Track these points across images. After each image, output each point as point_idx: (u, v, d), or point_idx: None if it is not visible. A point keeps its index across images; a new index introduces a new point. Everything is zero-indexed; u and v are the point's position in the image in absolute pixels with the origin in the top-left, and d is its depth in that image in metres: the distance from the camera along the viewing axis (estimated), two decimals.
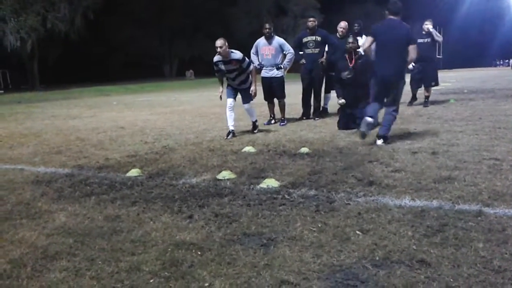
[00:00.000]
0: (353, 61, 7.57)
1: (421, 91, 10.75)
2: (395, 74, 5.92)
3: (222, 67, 7.03)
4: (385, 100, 6.08)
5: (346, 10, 49.44)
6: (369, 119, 5.78)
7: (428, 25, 10.05)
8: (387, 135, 5.93)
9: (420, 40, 10.10)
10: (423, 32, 10.12)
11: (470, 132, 6.45)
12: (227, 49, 6.85)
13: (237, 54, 6.96)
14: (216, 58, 7.02)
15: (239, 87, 7.25)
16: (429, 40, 10.04)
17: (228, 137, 7.03)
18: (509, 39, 55.53)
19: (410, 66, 10.25)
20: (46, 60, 40.68)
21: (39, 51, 37.34)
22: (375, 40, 6.05)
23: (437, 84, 10.42)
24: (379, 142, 5.86)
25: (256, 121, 7.68)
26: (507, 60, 62.19)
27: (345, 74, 7.51)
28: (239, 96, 7.37)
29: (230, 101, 7.25)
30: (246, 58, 7.13)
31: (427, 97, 10.43)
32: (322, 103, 9.56)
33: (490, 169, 4.32)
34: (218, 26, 50.05)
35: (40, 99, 23.32)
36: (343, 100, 7.61)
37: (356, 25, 10.15)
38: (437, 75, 10.36)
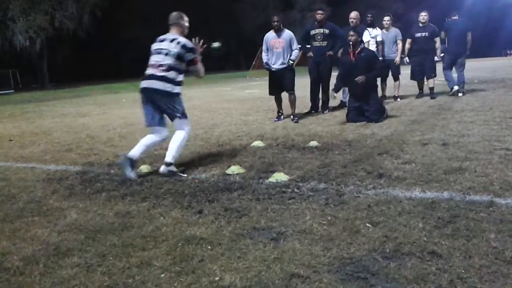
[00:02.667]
0: (355, 54, 7.46)
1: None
2: (462, 49, 10.18)
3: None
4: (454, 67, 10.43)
5: (354, 2, 49.02)
6: (456, 87, 10.36)
7: (424, 16, 10.01)
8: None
9: (417, 35, 10.10)
10: (420, 25, 10.07)
11: (480, 123, 6.39)
12: None
13: None
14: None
15: None
16: (427, 34, 9.98)
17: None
18: None
19: (405, 61, 10.35)
20: (55, 58, 40.93)
21: (48, 50, 37.60)
22: (447, 32, 10.25)
23: (435, 75, 10.35)
24: (460, 94, 10.30)
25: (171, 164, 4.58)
26: None
27: (357, 80, 7.31)
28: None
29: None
30: None
31: (431, 89, 10.33)
32: (341, 97, 9.54)
33: (501, 159, 4.28)
34: (225, 22, 50.02)
35: (50, 97, 23.49)
36: (335, 95, 7.64)
37: (369, 15, 10.06)
38: (435, 66, 10.32)
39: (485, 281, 2.12)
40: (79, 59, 45.34)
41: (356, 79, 7.22)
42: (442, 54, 10.42)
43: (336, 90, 7.68)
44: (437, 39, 10.11)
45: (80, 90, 28.21)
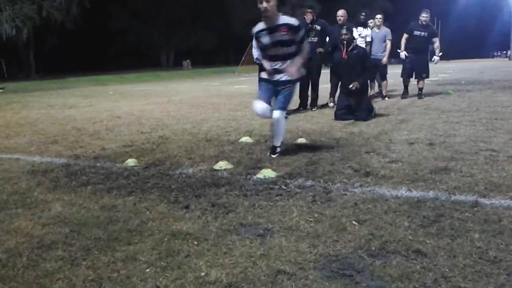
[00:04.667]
0: (346, 51, 7.51)
1: (413, 82, 10.70)
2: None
3: (266, 38, 4.72)
4: None
5: (344, 1, 49.13)
6: None
7: (426, 18, 10.00)
8: None
9: (416, 33, 10.05)
10: (420, 24, 10.06)
11: (467, 123, 6.46)
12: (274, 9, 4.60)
13: (290, 19, 4.73)
14: (259, 26, 4.79)
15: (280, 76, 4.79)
16: (426, 34, 9.99)
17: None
18: (507, 30, 55.45)
19: (403, 56, 10.22)
20: (42, 49, 40.39)
21: (35, 40, 37.07)
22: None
23: (427, 76, 10.37)
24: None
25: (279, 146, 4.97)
26: (504, 52, 62.20)
27: (352, 87, 7.36)
28: None
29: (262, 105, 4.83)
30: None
31: (420, 89, 10.39)
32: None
33: (486, 160, 4.33)
34: (215, 16, 49.79)
35: (36, 88, 23.19)
36: (332, 104, 7.64)
37: (362, 14, 10.07)
38: (428, 67, 10.33)
39: (469, 280, 2.14)
40: (66, 50, 44.80)
41: (350, 86, 7.29)
42: (441, 54, 10.39)
43: (332, 97, 7.71)
44: (436, 39, 10.13)
45: (66, 81, 27.88)
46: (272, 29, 4.65)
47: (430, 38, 10.08)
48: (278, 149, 4.92)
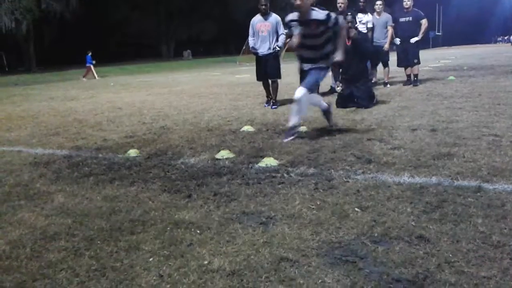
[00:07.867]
0: (349, 39, 7.47)
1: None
2: None
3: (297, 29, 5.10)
4: None
5: None
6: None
7: (408, 2, 9.91)
8: None
9: (401, 19, 10.00)
10: (404, 11, 10.00)
11: (469, 109, 6.42)
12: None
13: (319, 14, 4.95)
14: (292, 16, 5.15)
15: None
16: (410, 18, 9.91)
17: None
18: (510, 15, 55.01)
19: (397, 41, 10.18)
20: (42, 41, 40.31)
21: (35, 32, 36.96)
22: None
23: (418, 62, 10.26)
24: None
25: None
26: (506, 37, 61.78)
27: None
28: None
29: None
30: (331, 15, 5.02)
31: (415, 76, 10.31)
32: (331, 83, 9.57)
33: (489, 145, 4.31)
34: (215, 6, 49.50)
35: (37, 80, 23.16)
36: (340, 88, 7.58)
37: (361, 1, 9.99)
38: (418, 53, 10.21)
39: (472, 265, 2.14)
40: (66, 41, 44.66)
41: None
42: (416, 39, 10.08)
43: (337, 80, 7.70)
44: (423, 21, 10.02)
45: (67, 73, 27.87)
46: (303, 22, 5.00)
47: (416, 22, 9.98)
48: (292, 131, 5.09)
